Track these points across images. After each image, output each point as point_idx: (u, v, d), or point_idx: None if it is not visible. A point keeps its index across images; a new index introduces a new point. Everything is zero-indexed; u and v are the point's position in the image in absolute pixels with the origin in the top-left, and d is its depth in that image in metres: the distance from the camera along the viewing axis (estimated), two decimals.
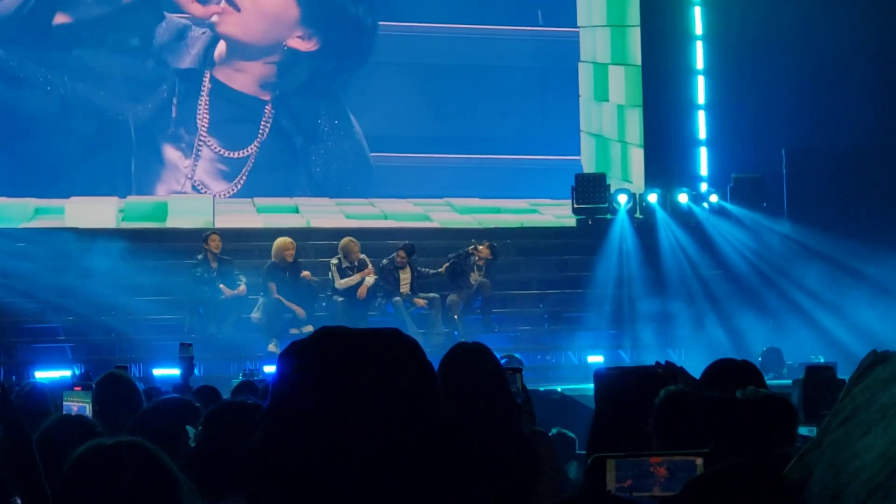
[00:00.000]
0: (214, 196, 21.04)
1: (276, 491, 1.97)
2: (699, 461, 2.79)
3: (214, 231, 18.26)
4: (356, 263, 18.12)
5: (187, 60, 20.98)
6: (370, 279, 18.09)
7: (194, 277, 17.77)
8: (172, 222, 20.39)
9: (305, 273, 18.04)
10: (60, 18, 20.52)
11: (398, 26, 22.06)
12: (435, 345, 17.90)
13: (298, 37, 21.43)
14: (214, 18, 20.96)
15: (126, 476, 3.12)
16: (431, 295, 18.40)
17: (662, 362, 5.33)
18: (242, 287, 17.88)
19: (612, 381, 4.89)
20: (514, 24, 22.53)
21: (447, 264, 18.68)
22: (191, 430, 4.35)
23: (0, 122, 20.38)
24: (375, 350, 2.04)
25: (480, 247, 18.74)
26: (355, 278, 18.00)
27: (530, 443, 5.31)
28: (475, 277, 18.68)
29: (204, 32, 20.95)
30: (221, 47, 21.06)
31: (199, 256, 17.93)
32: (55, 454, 4.12)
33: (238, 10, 21.00)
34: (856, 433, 1.07)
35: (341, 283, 17.99)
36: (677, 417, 4.03)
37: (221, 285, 17.77)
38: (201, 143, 21.03)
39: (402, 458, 1.96)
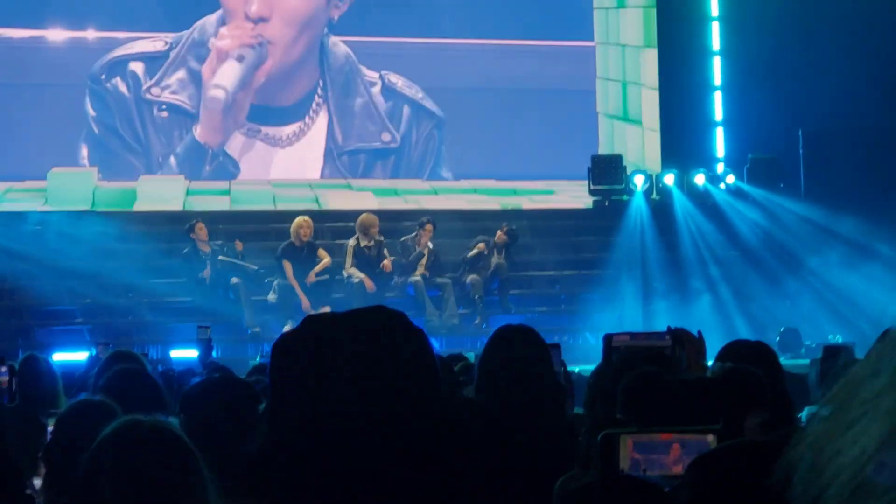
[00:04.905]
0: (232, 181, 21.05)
1: (285, 488, 1.96)
2: (711, 438, 2.79)
3: (198, 220, 18.24)
4: (375, 242, 18.12)
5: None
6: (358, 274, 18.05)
7: (193, 268, 17.81)
8: (189, 205, 20.40)
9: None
10: None
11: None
12: (451, 326, 17.94)
13: (336, 7, 21.46)
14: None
15: (156, 457, 3.13)
16: (447, 276, 18.42)
17: (673, 328, 5.36)
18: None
19: (621, 359, 4.90)
20: None
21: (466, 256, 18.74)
22: (174, 420, 4.34)
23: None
24: (365, 329, 2.02)
25: (498, 232, 18.81)
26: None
27: (573, 425, 5.30)
28: (495, 260, 18.70)
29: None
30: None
31: (186, 250, 17.94)
32: (77, 436, 4.15)
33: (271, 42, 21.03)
34: (837, 431, 1.06)
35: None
36: (644, 399, 4.04)
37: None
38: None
39: (406, 437, 1.95)
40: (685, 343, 5.35)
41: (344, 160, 21.45)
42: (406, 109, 21.73)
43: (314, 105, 21.32)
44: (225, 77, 20.72)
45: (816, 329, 18.82)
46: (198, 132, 20.87)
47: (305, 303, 17.67)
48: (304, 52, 21.35)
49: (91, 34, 20.99)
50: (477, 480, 2.10)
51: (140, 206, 20.30)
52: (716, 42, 22.50)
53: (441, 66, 21.89)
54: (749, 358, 5.35)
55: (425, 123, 21.76)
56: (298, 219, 18.19)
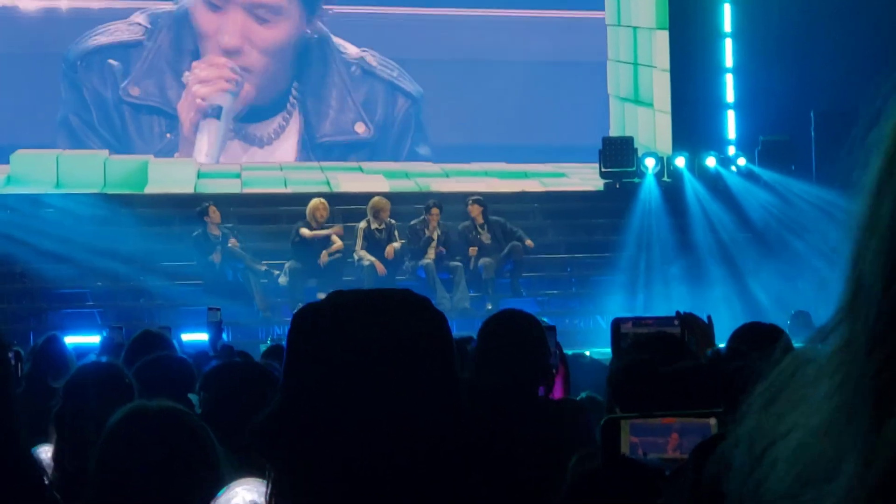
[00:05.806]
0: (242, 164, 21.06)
1: (293, 458, 1.97)
2: (713, 421, 2.79)
3: (211, 203, 18.24)
4: (386, 225, 18.14)
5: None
6: (357, 252, 18.06)
7: (203, 251, 17.81)
8: (199, 188, 20.40)
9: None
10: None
11: None
12: (461, 309, 17.93)
13: (311, 24, 21.36)
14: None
15: (166, 444, 3.13)
16: (456, 261, 18.41)
17: (682, 313, 5.36)
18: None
19: (630, 344, 4.90)
20: None
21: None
22: (193, 398, 4.33)
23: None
24: (387, 308, 2.03)
25: (469, 209, 18.74)
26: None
27: (559, 410, 5.29)
28: (485, 238, 18.62)
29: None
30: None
31: (197, 233, 17.94)
32: (87, 399, 4.17)
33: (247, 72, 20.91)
34: (770, 421, 1.04)
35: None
36: (635, 388, 4.02)
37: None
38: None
39: (416, 416, 1.95)
40: (694, 328, 5.35)
41: (318, 153, 21.39)
42: (382, 92, 21.64)
43: (291, 99, 21.25)
44: (207, 142, 20.71)
45: (828, 312, 18.72)
46: (178, 155, 20.84)
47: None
48: (282, 67, 21.27)
49: (63, 3, 20.86)
50: (483, 467, 2.10)
51: (151, 188, 20.33)
52: (727, 24, 22.45)
53: (447, 38, 21.78)
54: (761, 341, 5.34)
55: (401, 104, 21.69)
56: (315, 201, 18.27)
